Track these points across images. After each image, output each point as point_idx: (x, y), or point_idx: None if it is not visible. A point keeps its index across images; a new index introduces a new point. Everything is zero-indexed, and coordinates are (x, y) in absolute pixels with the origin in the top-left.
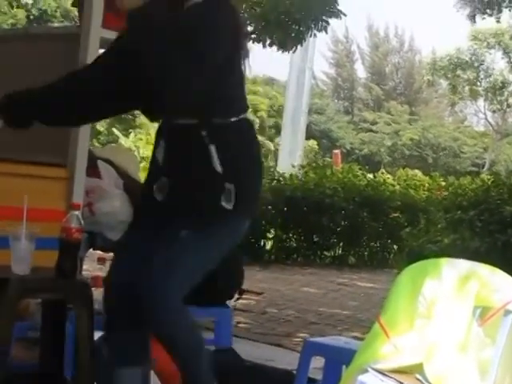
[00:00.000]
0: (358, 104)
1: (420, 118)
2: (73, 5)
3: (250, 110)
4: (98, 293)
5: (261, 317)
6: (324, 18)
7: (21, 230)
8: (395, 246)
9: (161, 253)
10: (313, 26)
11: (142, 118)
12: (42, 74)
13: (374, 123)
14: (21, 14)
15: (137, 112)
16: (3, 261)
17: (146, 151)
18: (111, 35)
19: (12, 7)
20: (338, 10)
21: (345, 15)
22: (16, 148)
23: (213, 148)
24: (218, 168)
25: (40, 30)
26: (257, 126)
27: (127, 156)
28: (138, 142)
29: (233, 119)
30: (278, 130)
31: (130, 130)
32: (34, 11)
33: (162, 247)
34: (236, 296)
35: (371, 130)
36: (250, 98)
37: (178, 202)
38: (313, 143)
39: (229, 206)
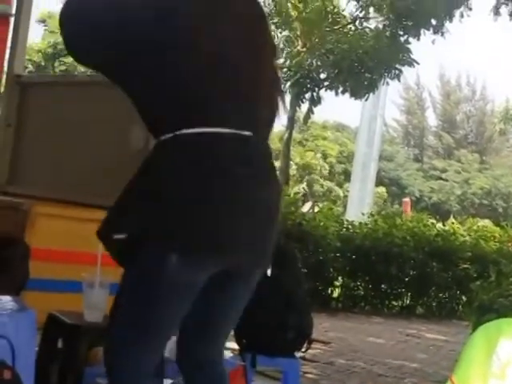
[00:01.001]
0: (427, 152)
1: (491, 166)
2: None
3: (320, 155)
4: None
5: (328, 367)
6: (397, 66)
7: (95, 277)
8: (464, 298)
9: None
10: (386, 74)
11: None
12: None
13: (443, 171)
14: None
15: None
16: (76, 305)
17: None
18: None
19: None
20: (412, 58)
21: (417, 63)
22: (92, 193)
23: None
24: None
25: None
26: (326, 172)
27: None
28: None
29: (180, 132)
30: (347, 176)
31: None
32: None
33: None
34: (305, 346)
35: (441, 178)
36: (320, 143)
37: None
38: (382, 190)
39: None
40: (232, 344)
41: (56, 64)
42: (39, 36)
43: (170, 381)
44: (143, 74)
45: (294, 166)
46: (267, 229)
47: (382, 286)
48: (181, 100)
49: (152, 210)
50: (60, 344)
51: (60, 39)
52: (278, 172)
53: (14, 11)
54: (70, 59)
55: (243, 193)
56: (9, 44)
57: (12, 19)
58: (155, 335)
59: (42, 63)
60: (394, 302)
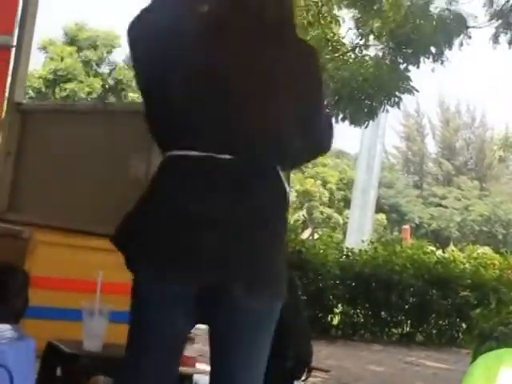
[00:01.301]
0: (427, 178)
1: (490, 193)
2: None
3: (319, 182)
4: None
5: None
6: (397, 93)
7: (94, 306)
8: (464, 325)
9: None
10: (385, 101)
11: None
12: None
13: (443, 198)
14: (97, 83)
15: None
16: (76, 333)
17: None
18: None
19: (89, 76)
20: (411, 86)
21: (417, 91)
22: (90, 221)
23: None
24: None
25: (118, 106)
26: (326, 199)
27: None
28: None
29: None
30: (346, 203)
31: None
32: (110, 80)
33: None
34: (305, 374)
35: (440, 205)
36: (319, 170)
37: None
38: (382, 217)
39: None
40: None
41: (57, 90)
42: (40, 63)
43: None
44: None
45: (294, 193)
46: (241, 247)
47: (382, 313)
48: (160, 122)
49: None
50: (59, 372)
51: (60, 65)
52: None
53: (15, 42)
54: (70, 85)
55: (186, 208)
56: (10, 71)
57: (13, 49)
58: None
59: (43, 89)
60: (394, 330)
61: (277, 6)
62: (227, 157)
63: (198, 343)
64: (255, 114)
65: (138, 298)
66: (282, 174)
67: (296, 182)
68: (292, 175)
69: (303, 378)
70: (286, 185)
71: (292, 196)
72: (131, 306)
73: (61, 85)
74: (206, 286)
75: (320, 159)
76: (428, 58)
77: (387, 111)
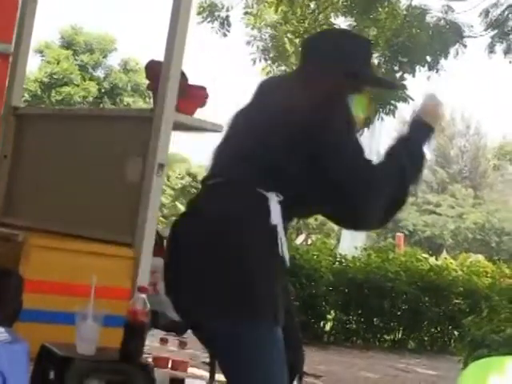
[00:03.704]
0: (422, 186)
1: (484, 201)
2: (148, 88)
3: None
4: (158, 373)
5: None
6: (392, 102)
7: (88, 310)
8: (456, 332)
9: None
10: (380, 109)
11: None
12: (111, 152)
13: (437, 205)
14: (92, 87)
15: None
16: (69, 337)
17: None
18: (184, 119)
19: (84, 80)
20: (407, 94)
21: (412, 100)
22: (85, 225)
23: None
24: None
25: (114, 111)
26: None
27: None
28: None
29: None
30: None
31: None
32: (106, 84)
33: None
34: (296, 381)
35: (434, 213)
36: None
37: None
38: None
39: None
40: (222, 376)
41: (52, 93)
42: (36, 66)
43: None
44: None
45: None
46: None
47: (375, 319)
48: None
49: None
50: (52, 375)
51: (56, 69)
52: None
53: (13, 49)
54: (66, 89)
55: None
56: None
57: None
58: None
59: (38, 92)
60: (386, 336)
61: None
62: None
63: (190, 349)
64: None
65: None
66: None
67: None
68: None
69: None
70: None
71: None
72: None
73: (56, 88)
74: None
75: None
76: (424, 66)
77: (382, 119)
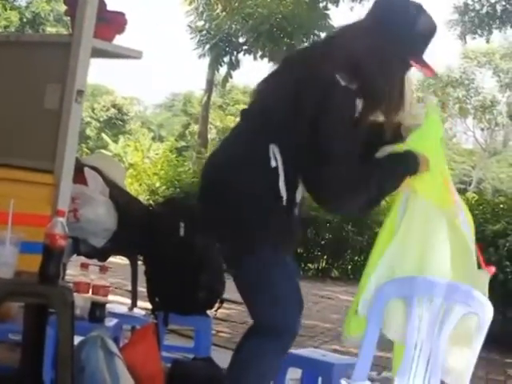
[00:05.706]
0: None
1: None
2: (65, 14)
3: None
4: (79, 298)
5: (241, 326)
6: (316, 31)
7: (6, 235)
8: None
9: None
10: (304, 39)
11: (131, 124)
12: (30, 79)
13: None
14: (14, 16)
15: (126, 117)
16: None
17: (134, 158)
18: (102, 45)
19: (5, 9)
20: (330, 24)
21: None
22: (3, 153)
23: None
24: None
25: (33, 37)
26: None
27: (114, 164)
28: (126, 148)
29: None
30: None
31: (120, 136)
32: (28, 14)
33: None
34: (216, 305)
35: None
36: (240, 107)
37: None
38: None
39: None
40: (145, 303)
41: None
42: None
43: None
44: None
45: (213, 130)
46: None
47: (298, 249)
48: None
49: None
50: None
51: None
52: (196, 136)
53: None
54: None
55: None
56: None
57: None
58: None
59: None
60: (310, 265)
61: None
62: None
63: (116, 277)
64: None
65: None
66: None
67: (216, 119)
68: (212, 112)
69: (215, 308)
70: None
71: (212, 133)
72: None
73: None
74: None
75: (242, 97)
76: None
77: None
